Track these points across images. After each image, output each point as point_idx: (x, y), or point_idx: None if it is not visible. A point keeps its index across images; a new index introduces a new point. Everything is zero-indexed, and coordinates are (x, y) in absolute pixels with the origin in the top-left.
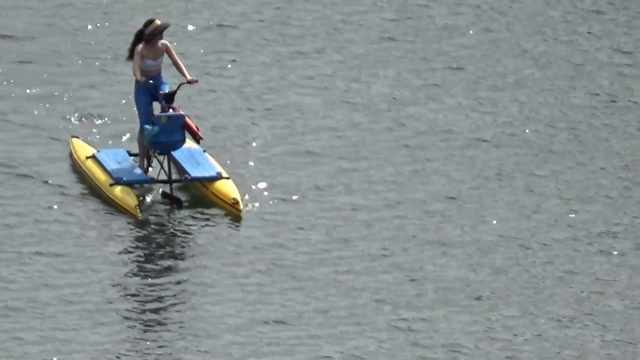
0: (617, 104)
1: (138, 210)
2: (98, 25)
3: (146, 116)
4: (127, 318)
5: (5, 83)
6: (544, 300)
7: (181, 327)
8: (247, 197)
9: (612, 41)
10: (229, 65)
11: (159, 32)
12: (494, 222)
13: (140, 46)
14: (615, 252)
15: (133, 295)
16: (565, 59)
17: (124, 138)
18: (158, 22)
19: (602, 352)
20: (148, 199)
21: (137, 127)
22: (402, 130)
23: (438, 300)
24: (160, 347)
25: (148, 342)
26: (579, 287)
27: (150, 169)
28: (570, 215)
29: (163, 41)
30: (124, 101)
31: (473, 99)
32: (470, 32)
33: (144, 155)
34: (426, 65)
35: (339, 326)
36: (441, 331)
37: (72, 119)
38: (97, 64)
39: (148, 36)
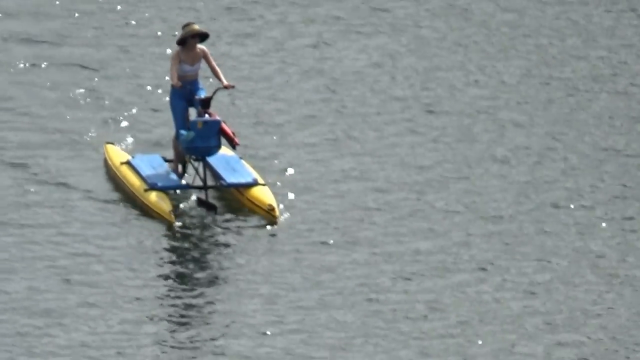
0: None
1: (173, 216)
2: (134, 29)
3: (182, 121)
4: (161, 323)
5: (41, 87)
6: None
7: (213, 333)
8: (283, 204)
9: None
10: (268, 71)
11: (191, 35)
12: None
13: (176, 50)
14: None
15: (167, 301)
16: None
17: (159, 144)
18: (195, 26)
19: None
20: (183, 205)
21: (173, 132)
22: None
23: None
24: (194, 348)
25: (181, 348)
26: None
27: (185, 175)
28: None
29: (201, 46)
30: (159, 106)
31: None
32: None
33: (179, 161)
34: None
35: (374, 337)
36: None
37: (107, 125)
38: (131, 68)
39: (181, 39)
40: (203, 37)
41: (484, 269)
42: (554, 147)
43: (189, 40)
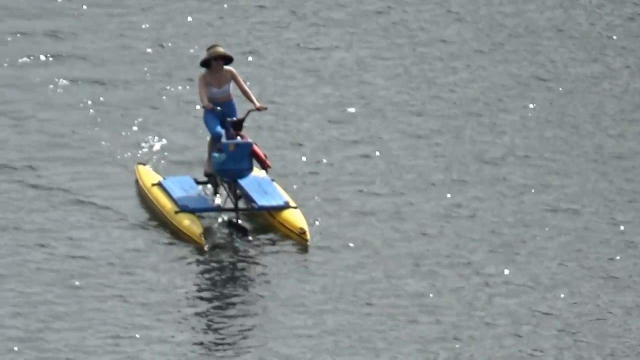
0: None
1: (203, 238)
2: (168, 50)
3: (216, 141)
4: (189, 345)
5: (74, 107)
6: None
7: (243, 357)
8: (314, 226)
9: None
10: (300, 93)
11: (213, 57)
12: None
13: (203, 73)
14: None
15: (196, 324)
16: None
17: (191, 165)
18: (218, 48)
19: None
20: (214, 227)
21: (205, 154)
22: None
23: None
24: None
25: None
26: None
27: (217, 197)
28: None
29: (229, 68)
30: (191, 127)
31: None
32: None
33: (211, 183)
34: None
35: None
36: None
37: (139, 146)
38: (166, 89)
39: (203, 61)
40: (227, 60)
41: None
42: (553, 149)
43: (213, 62)
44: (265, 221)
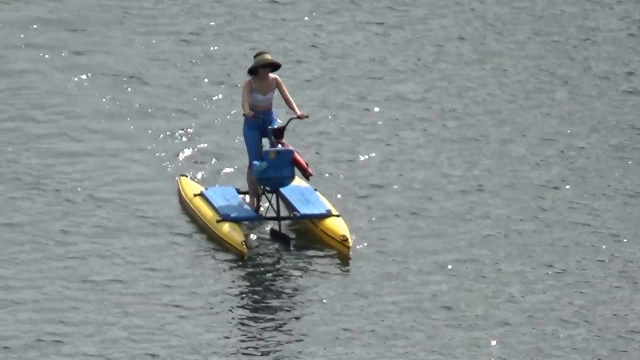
0: None
1: (244, 246)
2: (208, 60)
3: (255, 152)
4: (230, 354)
5: (119, 120)
6: None
7: None
8: (357, 234)
9: None
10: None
11: (261, 65)
12: None
13: (248, 79)
14: None
15: (238, 332)
16: None
17: (234, 175)
18: (266, 56)
19: None
20: (255, 236)
21: (247, 163)
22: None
23: None
24: None
25: None
26: None
27: (260, 206)
28: None
29: (274, 76)
30: (233, 138)
31: None
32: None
33: (254, 193)
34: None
35: None
36: None
37: (182, 157)
38: (205, 100)
39: (251, 68)
40: (275, 67)
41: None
42: (574, 147)
43: (260, 69)
44: (308, 229)
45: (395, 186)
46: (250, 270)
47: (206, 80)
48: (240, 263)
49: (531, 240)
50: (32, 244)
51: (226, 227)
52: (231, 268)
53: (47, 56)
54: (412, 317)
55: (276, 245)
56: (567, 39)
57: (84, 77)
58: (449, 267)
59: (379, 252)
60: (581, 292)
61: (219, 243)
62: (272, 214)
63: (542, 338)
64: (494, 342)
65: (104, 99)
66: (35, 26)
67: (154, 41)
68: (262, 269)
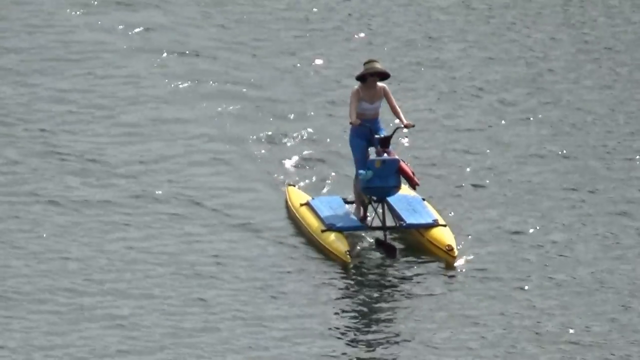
0: None
1: (349, 256)
2: (317, 68)
3: (362, 161)
4: None
5: (225, 124)
6: None
7: None
8: (463, 244)
9: None
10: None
11: (369, 73)
12: None
13: (356, 87)
14: None
15: (337, 343)
16: None
17: (341, 185)
18: (376, 64)
19: None
20: (361, 245)
21: (353, 173)
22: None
23: None
24: None
25: None
26: None
27: (367, 216)
28: None
29: (382, 84)
30: (341, 147)
31: None
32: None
33: (360, 202)
34: None
35: None
36: None
37: (290, 166)
38: (313, 109)
39: (359, 75)
40: (384, 76)
41: None
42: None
43: (369, 78)
44: (414, 239)
45: (509, 197)
46: (355, 280)
47: (315, 87)
48: (344, 273)
49: None
50: (138, 252)
51: (331, 236)
52: (336, 278)
53: (159, 60)
54: (523, 333)
55: (381, 255)
56: None
57: (191, 82)
58: (557, 284)
59: (483, 262)
60: None
61: (324, 253)
62: (378, 223)
63: None
64: None
65: (212, 104)
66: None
67: (266, 46)
68: (366, 278)
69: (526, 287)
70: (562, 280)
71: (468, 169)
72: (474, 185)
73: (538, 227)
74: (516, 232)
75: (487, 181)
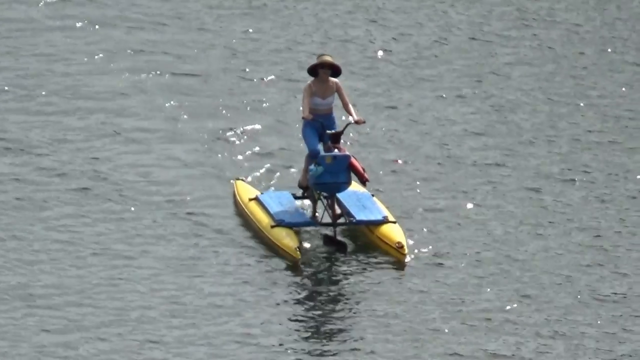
0: None
1: (298, 252)
2: (267, 65)
3: (315, 145)
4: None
5: (176, 121)
6: None
7: None
8: (413, 241)
9: None
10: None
11: (320, 65)
12: None
13: (309, 82)
14: None
15: (286, 339)
16: None
17: (290, 180)
18: (326, 57)
19: None
20: (310, 242)
21: (302, 166)
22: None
23: None
24: None
25: None
26: None
27: (317, 212)
28: None
29: (335, 80)
30: (292, 141)
31: None
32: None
33: (310, 196)
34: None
35: None
36: None
37: (239, 160)
38: (265, 104)
39: (310, 68)
40: (336, 71)
41: None
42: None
43: (320, 71)
44: (364, 236)
45: (455, 193)
46: (305, 276)
47: (266, 81)
48: (294, 269)
49: None
50: (76, 245)
51: (280, 232)
52: (285, 274)
53: (102, 55)
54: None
55: (330, 251)
56: None
57: (140, 76)
58: (495, 273)
59: (434, 258)
60: None
61: (273, 249)
62: (328, 219)
63: None
64: None
65: (161, 97)
66: (97, 27)
67: (211, 40)
68: (316, 275)
69: (479, 276)
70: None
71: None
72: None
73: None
74: (470, 228)
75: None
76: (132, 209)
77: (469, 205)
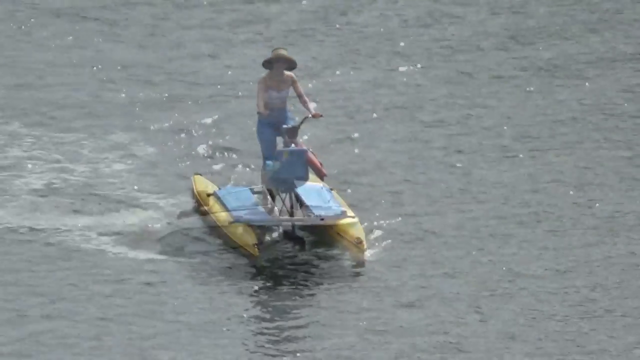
0: None
1: (256, 249)
2: (226, 60)
3: (269, 151)
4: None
5: (134, 117)
6: None
7: None
8: (372, 237)
9: None
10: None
11: (276, 59)
12: None
13: (263, 75)
14: None
15: (247, 336)
16: None
17: (248, 175)
18: (281, 51)
19: None
20: (269, 238)
21: (261, 163)
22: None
23: None
24: None
25: None
26: None
27: (275, 208)
28: None
29: (289, 73)
30: (249, 136)
31: None
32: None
33: (267, 193)
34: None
35: None
36: None
37: (197, 154)
38: (221, 98)
39: (266, 61)
40: (291, 65)
41: None
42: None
43: (275, 64)
44: (322, 231)
45: (415, 188)
46: (263, 273)
47: (225, 74)
48: (252, 266)
49: None
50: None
51: (238, 229)
52: (243, 271)
53: (55, 48)
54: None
55: (289, 247)
56: None
57: (97, 69)
58: (463, 269)
59: (394, 254)
60: None
61: (232, 245)
62: (286, 215)
63: None
64: None
65: (118, 92)
66: (58, 18)
67: (172, 33)
68: (274, 271)
69: (439, 269)
70: (476, 264)
71: (380, 159)
72: (388, 177)
73: (452, 218)
74: (430, 224)
75: (404, 171)
76: (91, 205)
77: (431, 200)
